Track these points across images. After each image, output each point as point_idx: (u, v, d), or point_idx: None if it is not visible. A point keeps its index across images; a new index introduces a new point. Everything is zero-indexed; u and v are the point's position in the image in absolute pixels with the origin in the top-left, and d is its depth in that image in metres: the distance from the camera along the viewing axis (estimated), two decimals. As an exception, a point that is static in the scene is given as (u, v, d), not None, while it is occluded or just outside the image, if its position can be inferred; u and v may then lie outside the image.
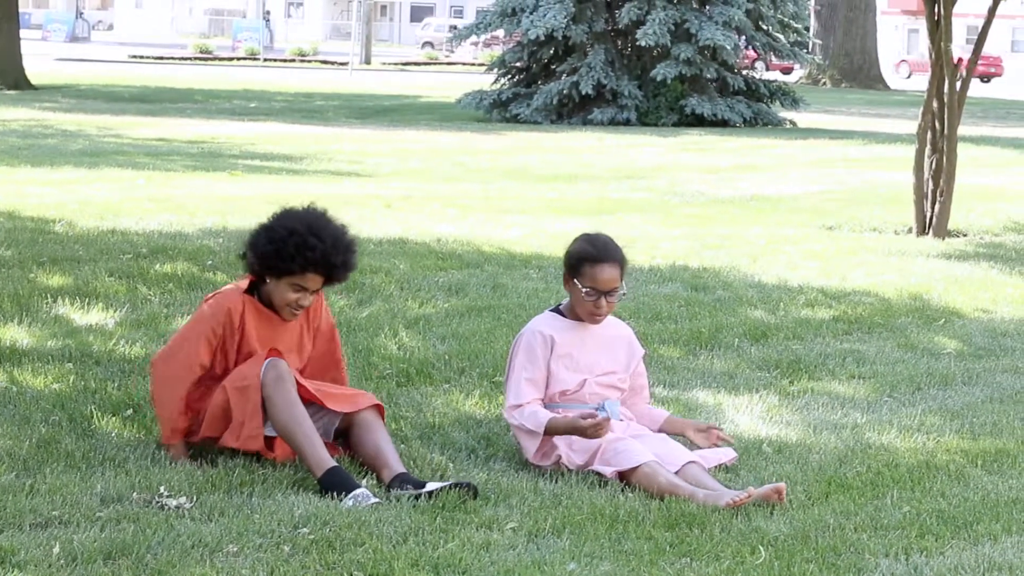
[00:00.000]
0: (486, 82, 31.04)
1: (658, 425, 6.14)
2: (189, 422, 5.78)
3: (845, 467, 5.99)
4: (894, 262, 11.27)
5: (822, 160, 21.10)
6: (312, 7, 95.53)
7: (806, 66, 41.80)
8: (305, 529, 4.96)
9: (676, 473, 5.63)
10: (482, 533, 5.04)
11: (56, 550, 4.66)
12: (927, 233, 12.84)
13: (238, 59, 57.68)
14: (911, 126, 16.22)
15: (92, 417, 6.20)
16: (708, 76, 28.47)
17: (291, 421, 5.54)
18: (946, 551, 5.07)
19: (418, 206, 13.50)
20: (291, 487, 5.44)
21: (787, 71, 56.33)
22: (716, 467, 5.88)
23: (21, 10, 36.01)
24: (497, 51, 46.46)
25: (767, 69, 36.29)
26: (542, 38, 28.28)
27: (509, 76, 30.13)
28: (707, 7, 28.71)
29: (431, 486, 5.38)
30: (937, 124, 12.87)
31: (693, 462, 5.72)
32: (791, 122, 29.25)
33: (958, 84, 12.84)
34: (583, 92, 28.06)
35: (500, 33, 32.81)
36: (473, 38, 34.53)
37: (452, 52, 64.41)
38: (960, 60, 14.44)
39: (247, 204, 12.59)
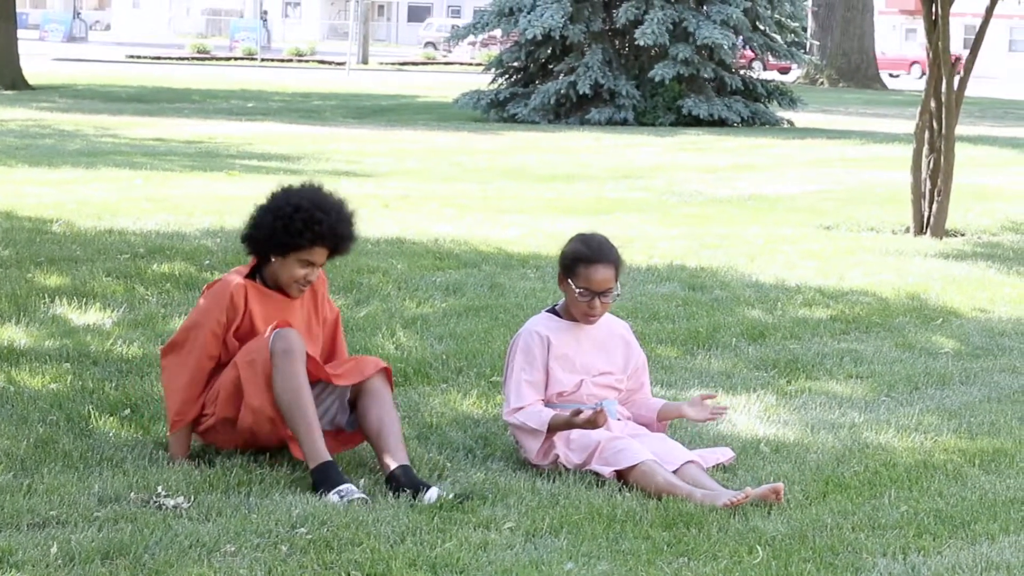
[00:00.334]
0: (484, 82, 31.02)
1: (654, 413, 6.11)
2: (198, 411, 5.74)
3: (843, 467, 5.99)
4: (892, 262, 11.27)
5: (820, 160, 21.10)
6: (309, 7, 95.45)
7: (803, 66, 41.78)
8: (303, 529, 4.96)
9: (674, 472, 5.62)
10: (480, 533, 5.04)
11: (54, 550, 4.66)
12: (925, 233, 12.83)
13: (235, 59, 57.68)
14: (909, 126, 16.23)
15: (90, 417, 6.20)
16: (705, 76, 28.45)
17: (294, 404, 5.49)
18: (944, 551, 5.07)
19: (416, 206, 13.50)
20: (288, 487, 5.44)
21: (785, 71, 56.37)
22: (714, 467, 5.88)
23: (18, 10, 35.96)
24: (495, 51, 46.41)
25: (764, 69, 36.28)
26: (539, 38, 28.27)
27: (506, 76, 30.10)
28: (705, 6, 28.70)
29: (428, 495, 5.33)
30: (935, 124, 12.88)
31: (691, 462, 5.71)
32: (789, 122, 29.23)
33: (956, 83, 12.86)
34: (580, 92, 28.04)
35: (497, 33, 32.76)
36: (471, 38, 34.46)
37: (450, 52, 64.43)
38: (957, 59, 14.44)
39: (244, 204, 12.43)
